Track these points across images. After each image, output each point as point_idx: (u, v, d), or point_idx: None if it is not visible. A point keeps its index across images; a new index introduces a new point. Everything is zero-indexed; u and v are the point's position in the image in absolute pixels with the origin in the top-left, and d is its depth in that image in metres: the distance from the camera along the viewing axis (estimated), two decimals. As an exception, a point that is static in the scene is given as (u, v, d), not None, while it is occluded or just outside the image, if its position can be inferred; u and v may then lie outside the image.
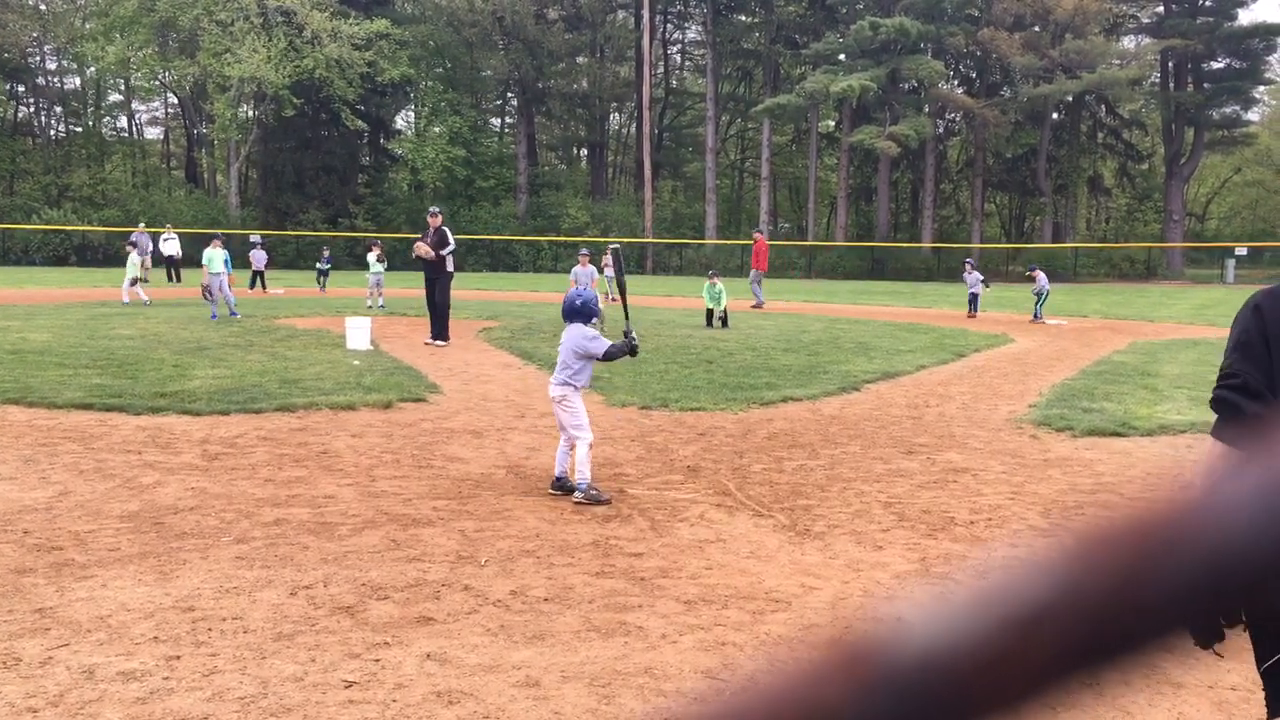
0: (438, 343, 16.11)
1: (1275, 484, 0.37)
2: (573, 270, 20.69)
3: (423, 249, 16.35)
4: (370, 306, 23.27)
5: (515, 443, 8.78)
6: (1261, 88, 62.16)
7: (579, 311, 7.10)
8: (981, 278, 25.82)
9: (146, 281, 23.78)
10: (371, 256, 24.86)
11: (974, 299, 25.33)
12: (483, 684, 3.96)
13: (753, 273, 28.07)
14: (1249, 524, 0.37)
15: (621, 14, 66.45)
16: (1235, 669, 4.14)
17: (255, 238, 36.57)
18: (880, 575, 5.42)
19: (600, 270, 28.71)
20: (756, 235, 28.82)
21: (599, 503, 6.74)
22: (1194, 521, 0.37)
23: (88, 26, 53.80)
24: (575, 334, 7.05)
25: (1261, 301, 2.41)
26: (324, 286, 30.27)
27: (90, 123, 61.09)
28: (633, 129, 69.61)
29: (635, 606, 4.84)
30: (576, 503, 6.73)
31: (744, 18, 62.70)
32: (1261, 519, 0.36)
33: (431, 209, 17.23)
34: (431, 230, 16.38)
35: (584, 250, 22.18)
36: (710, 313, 20.29)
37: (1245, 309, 2.44)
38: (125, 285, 23.52)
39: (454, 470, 7.70)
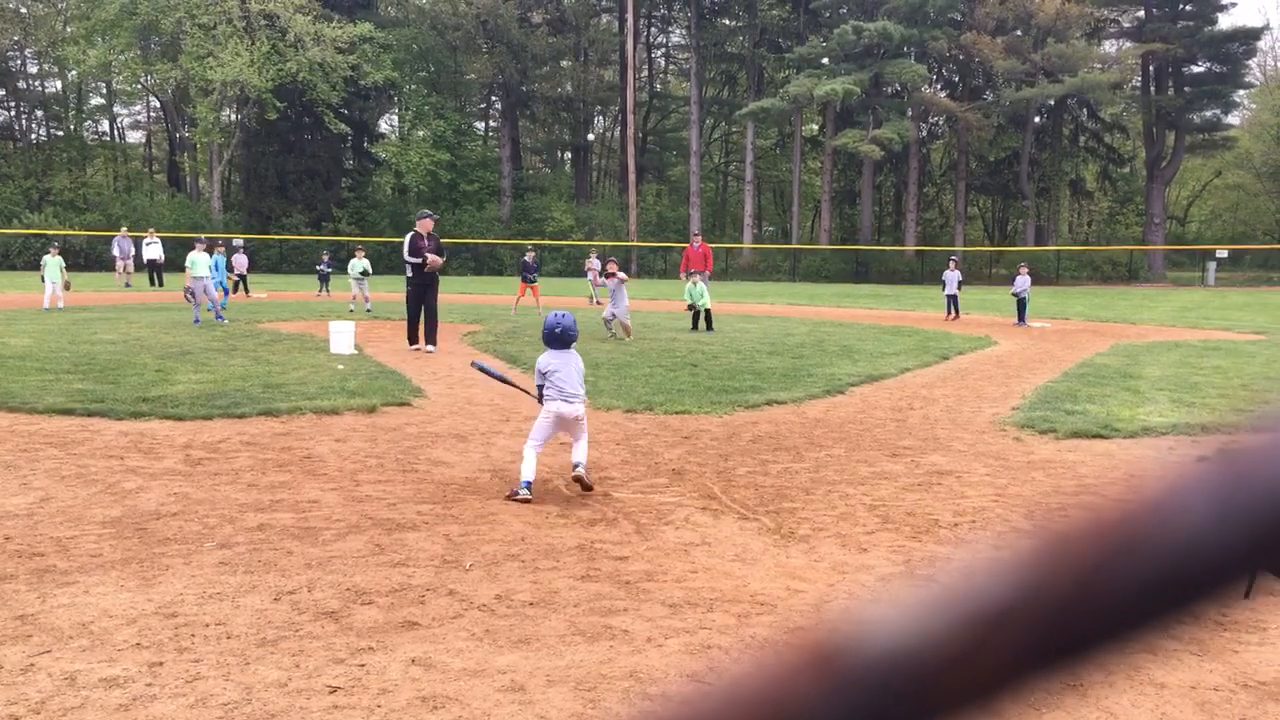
0: (429, 348, 15.99)
1: (1235, 482, 0.37)
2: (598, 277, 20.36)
3: (436, 262, 16.14)
4: (353, 310, 23.27)
5: (500, 446, 8.77)
6: (1241, 91, 62.66)
7: (559, 338, 7.30)
8: (960, 278, 25.94)
9: (68, 288, 23.12)
10: (354, 260, 24.87)
11: (951, 300, 25.47)
12: (468, 688, 3.95)
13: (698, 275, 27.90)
14: (1211, 521, 0.37)
15: (605, 18, 66.55)
16: (1217, 669, 4.16)
17: (237, 242, 36.43)
18: (865, 578, 5.42)
19: (584, 273, 28.76)
20: (698, 239, 28.94)
21: (587, 488, 7.08)
22: (1156, 519, 0.38)
23: (69, 30, 53.61)
24: (577, 360, 7.35)
25: None
26: (328, 291, 30.08)
27: (71, 126, 60.87)
28: (617, 133, 69.68)
29: (620, 610, 4.84)
30: (575, 478, 7.10)
31: (728, 22, 62.89)
32: (1223, 516, 0.37)
33: (427, 211, 16.73)
34: (430, 235, 16.11)
35: (611, 257, 21.08)
36: (695, 315, 20.26)
37: None
38: (52, 290, 22.48)
39: (438, 474, 7.68)
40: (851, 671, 0.39)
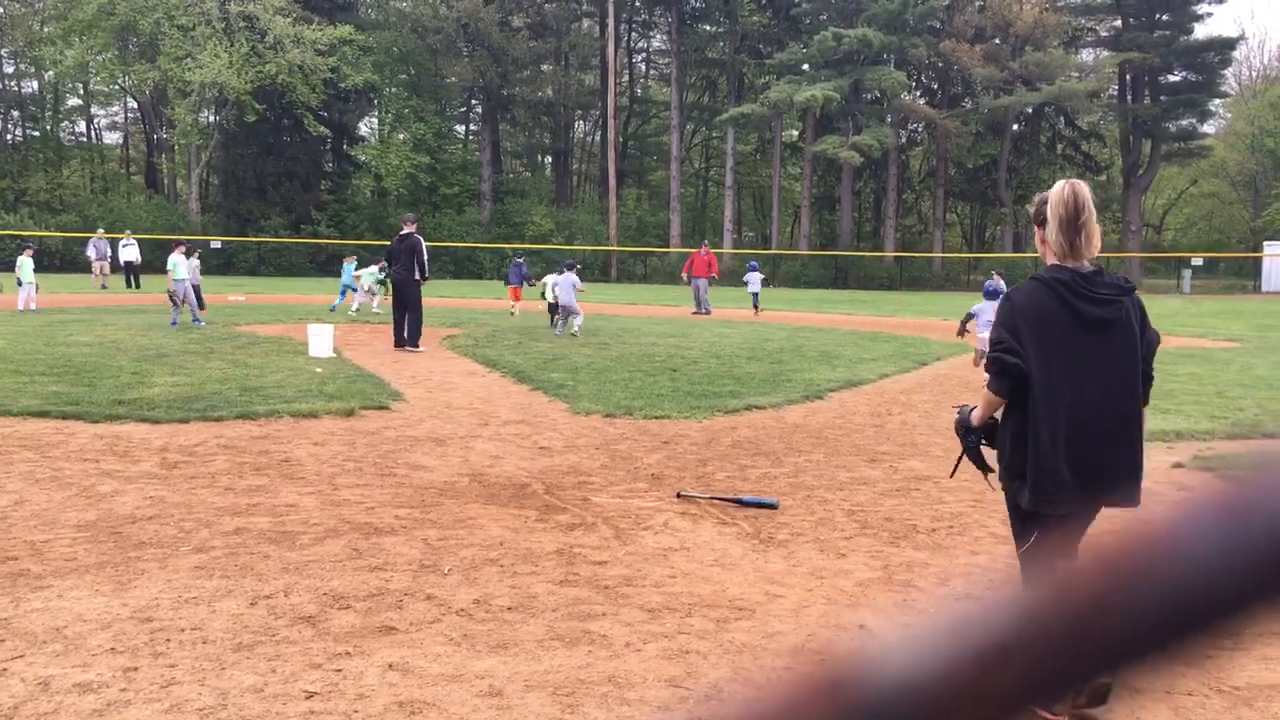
0: (408, 348, 16.33)
1: (1233, 521, 0.38)
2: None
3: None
4: (355, 312, 23.54)
5: (479, 450, 8.75)
6: (1217, 101, 63.14)
7: (991, 294, 13.24)
8: (763, 277, 29.24)
9: (37, 289, 22.90)
10: (376, 269, 25.01)
11: (755, 297, 28.29)
12: (445, 694, 3.94)
13: (699, 280, 28.51)
14: (1215, 556, 0.37)
15: (586, 22, 66.56)
16: (1192, 675, 4.19)
17: (215, 244, 36.21)
18: (843, 583, 5.44)
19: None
20: (704, 245, 30.01)
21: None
22: (1156, 556, 0.38)
23: (46, 30, 53.19)
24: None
25: (1013, 294, 3.93)
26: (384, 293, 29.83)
27: (48, 127, 60.37)
28: (598, 137, 69.69)
29: (599, 615, 4.83)
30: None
31: (708, 27, 63.00)
32: (1226, 551, 0.37)
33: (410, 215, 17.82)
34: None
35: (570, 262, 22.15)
36: (553, 311, 20.35)
37: (1002, 301, 3.94)
38: (25, 293, 22.17)
39: (417, 478, 7.66)
40: (859, 703, 0.39)
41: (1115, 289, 3.82)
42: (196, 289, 22.85)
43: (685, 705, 3.85)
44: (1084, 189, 3.82)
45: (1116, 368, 3.79)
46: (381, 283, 29.98)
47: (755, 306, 28.32)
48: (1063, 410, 3.74)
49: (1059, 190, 3.81)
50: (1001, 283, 13.77)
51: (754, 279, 28.89)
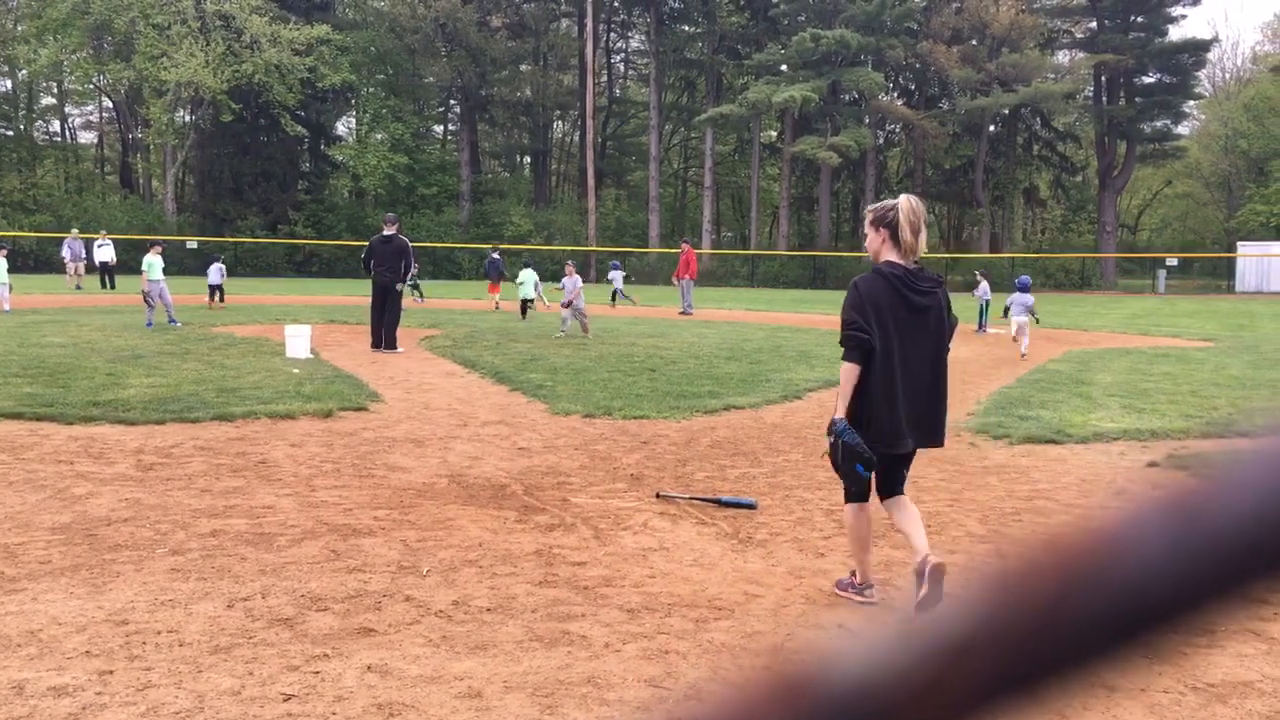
0: (385, 350, 16.38)
1: (1186, 518, 0.38)
2: (561, 280, 20.54)
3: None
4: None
5: (458, 451, 8.73)
6: (1191, 102, 63.70)
7: (1025, 287, 16.99)
8: (624, 274, 31.62)
9: (10, 288, 22.77)
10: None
11: (615, 293, 30.46)
12: (424, 695, 3.92)
13: (684, 281, 28.55)
14: (1163, 557, 0.38)
15: (565, 22, 66.57)
16: (1167, 672, 4.22)
17: (191, 244, 35.99)
18: (822, 583, 5.45)
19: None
20: (684, 245, 30.12)
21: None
22: (1110, 553, 0.38)
23: (19, 29, 52.75)
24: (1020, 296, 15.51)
25: (859, 283, 4.88)
26: (422, 297, 29.54)
27: (22, 126, 59.86)
28: (576, 137, 69.69)
29: (578, 616, 4.83)
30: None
31: (687, 27, 63.09)
32: (1174, 552, 0.38)
33: (390, 215, 18.12)
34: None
35: (570, 262, 22.49)
36: (523, 307, 23.22)
37: (851, 288, 4.90)
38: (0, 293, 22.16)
39: (395, 479, 7.63)
40: (817, 703, 0.39)
41: (932, 282, 4.92)
42: (218, 288, 23.41)
43: (664, 705, 3.84)
44: (920, 203, 4.92)
45: (931, 343, 4.88)
46: (414, 287, 29.84)
47: (613, 300, 30.11)
48: (894, 374, 4.78)
49: (908, 203, 4.86)
50: (1028, 279, 17.89)
51: (617, 276, 31.36)
